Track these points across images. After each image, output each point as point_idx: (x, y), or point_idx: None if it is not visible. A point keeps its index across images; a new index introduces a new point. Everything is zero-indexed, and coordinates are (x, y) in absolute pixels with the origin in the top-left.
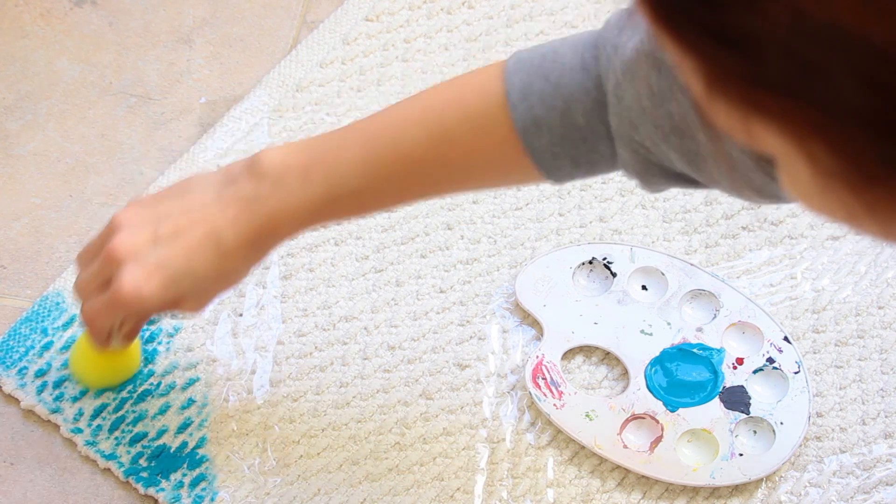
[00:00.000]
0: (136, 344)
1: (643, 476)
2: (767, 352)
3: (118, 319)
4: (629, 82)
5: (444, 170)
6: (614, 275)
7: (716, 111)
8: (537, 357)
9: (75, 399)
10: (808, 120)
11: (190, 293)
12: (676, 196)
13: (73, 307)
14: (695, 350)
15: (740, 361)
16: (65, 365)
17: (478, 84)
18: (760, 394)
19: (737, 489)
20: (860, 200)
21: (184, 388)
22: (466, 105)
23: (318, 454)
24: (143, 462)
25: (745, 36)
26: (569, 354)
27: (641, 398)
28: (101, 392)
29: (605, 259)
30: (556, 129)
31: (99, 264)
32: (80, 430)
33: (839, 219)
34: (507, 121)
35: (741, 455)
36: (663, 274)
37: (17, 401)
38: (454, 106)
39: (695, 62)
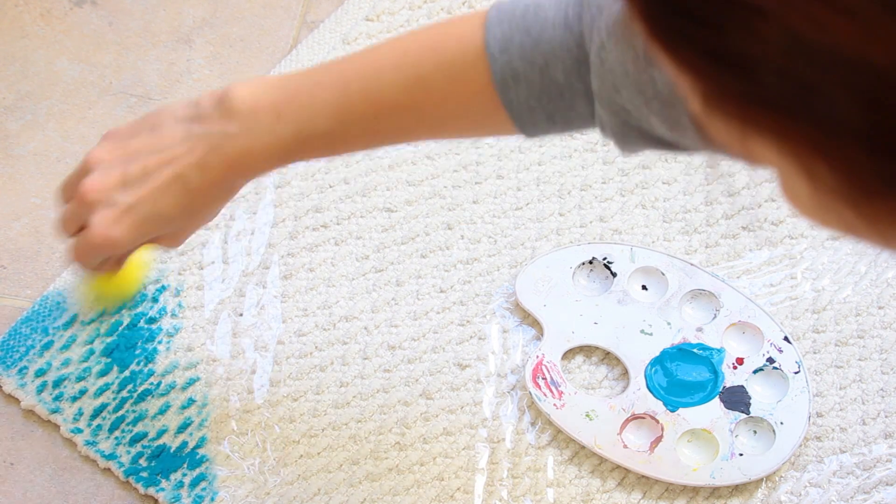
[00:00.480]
0: (135, 262)
1: (643, 476)
2: (767, 352)
3: (98, 258)
4: (613, 45)
5: (418, 116)
6: (614, 275)
7: (713, 126)
8: (537, 357)
9: (75, 399)
10: (806, 138)
11: (161, 231)
12: (676, 196)
13: (74, 307)
14: (695, 350)
15: (740, 361)
16: (65, 364)
17: (457, 33)
18: (760, 394)
19: (737, 489)
20: (860, 215)
21: (184, 388)
22: (445, 53)
23: (318, 454)
24: (143, 462)
25: (741, 57)
26: (569, 354)
27: (641, 398)
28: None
29: (605, 259)
30: (535, 83)
31: (73, 205)
32: (80, 430)
33: (838, 230)
34: (485, 71)
35: (741, 455)
36: (663, 274)
37: (17, 401)
38: (432, 53)
39: (691, 80)
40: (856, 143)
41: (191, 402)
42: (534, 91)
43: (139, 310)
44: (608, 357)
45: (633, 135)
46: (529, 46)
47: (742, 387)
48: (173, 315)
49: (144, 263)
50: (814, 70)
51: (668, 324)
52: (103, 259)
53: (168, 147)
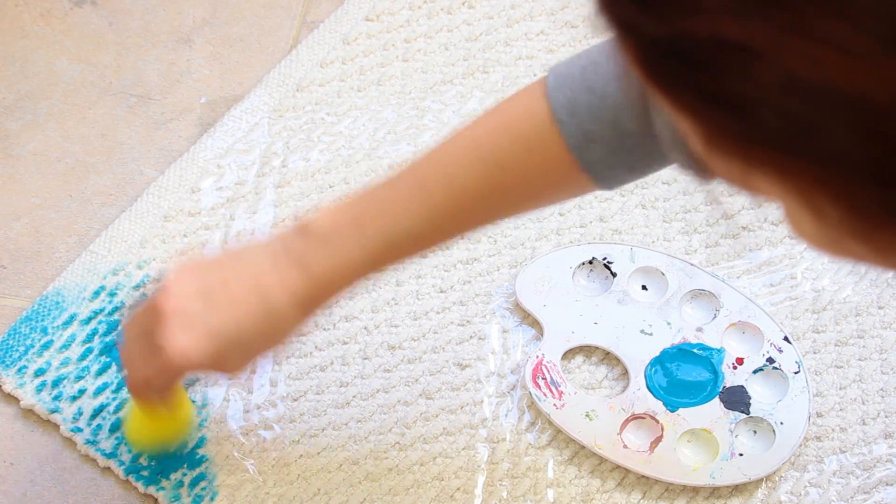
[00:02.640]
0: (187, 402)
1: (643, 476)
2: (767, 352)
3: (157, 374)
4: None
5: (501, 197)
6: (614, 275)
7: (716, 165)
8: (537, 357)
9: (74, 398)
10: (807, 174)
11: (234, 356)
12: (676, 196)
13: (73, 306)
14: (695, 350)
15: (740, 361)
16: (65, 363)
17: (522, 106)
18: (760, 394)
19: (737, 489)
20: (866, 246)
21: (184, 388)
22: (514, 130)
23: (318, 454)
24: (143, 461)
25: (737, 98)
26: (569, 354)
27: (641, 398)
28: (161, 457)
29: (605, 259)
30: (609, 139)
31: (146, 319)
32: (79, 430)
33: (848, 260)
34: (558, 139)
35: (741, 455)
36: (663, 274)
37: (16, 400)
38: (502, 133)
39: (691, 122)
40: (858, 177)
41: (191, 402)
42: (610, 147)
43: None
44: (608, 357)
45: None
46: (596, 104)
47: (742, 387)
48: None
49: (188, 402)
50: (812, 108)
51: (668, 324)
52: (162, 382)
53: (251, 271)
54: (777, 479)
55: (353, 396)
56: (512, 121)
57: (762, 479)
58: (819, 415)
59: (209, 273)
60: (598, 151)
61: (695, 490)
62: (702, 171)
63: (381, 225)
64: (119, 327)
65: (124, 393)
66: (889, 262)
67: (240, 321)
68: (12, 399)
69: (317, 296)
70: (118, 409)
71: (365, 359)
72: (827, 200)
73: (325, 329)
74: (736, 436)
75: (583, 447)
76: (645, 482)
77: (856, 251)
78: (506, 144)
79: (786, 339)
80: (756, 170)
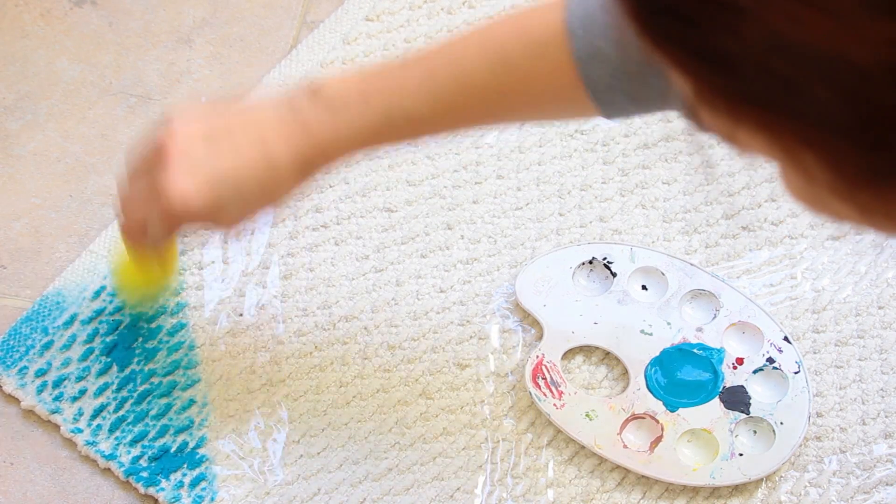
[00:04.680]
0: (173, 253)
1: (643, 476)
2: (767, 352)
3: (155, 220)
4: None
5: (504, 97)
6: (614, 275)
7: (706, 119)
8: (537, 357)
9: (75, 399)
10: (791, 132)
11: (232, 205)
12: (676, 196)
13: (74, 306)
14: (695, 350)
15: (740, 361)
16: (65, 363)
17: (539, 13)
18: (760, 394)
19: (737, 489)
20: (851, 205)
21: (184, 388)
22: (527, 33)
23: (318, 454)
24: (143, 462)
25: (723, 54)
26: (569, 354)
27: (641, 398)
28: (142, 306)
29: (605, 259)
30: (614, 61)
31: (148, 152)
32: (80, 430)
33: (836, 219)
34: (566, 49)
35: (741, 455)
36: (663, 274)
37: (17, 401)
38: (515, 34)
39: (681, 76)
40: (840, 138)
41: (191, 402)
42: (613, 68)
43: (139, 309)
44: (608, 357)
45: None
46: (610, 24)
47: (742, 387)
48: (173, 314)
49: (176, 254)
50: (795, 67)
51: (668, 324)
52: (159, 229)
53: (256, 122)
54: (777, 479)
55: (353, 396)
56: (527, 24)
57: (762, 479)
58: (819, 415)
59: (214, 119)
60: (601, 70)
61: (695, 490)
62: (699, 119)
63: (386, 101)
64: (122, 163)
65: (125, 393)
66: (873, 223)
67: (241, 171)
68: (13, 399)
69: (316, 158)
70: (118, 409)
71: (365, 359)
72: (812, 159)
73: (324, 329)
74: (736, 436)
75: (583, 447)
76: (645, 482)
77: (841, 211)
78: (517, 46)
79: (786, 339)
80: (743, 126)
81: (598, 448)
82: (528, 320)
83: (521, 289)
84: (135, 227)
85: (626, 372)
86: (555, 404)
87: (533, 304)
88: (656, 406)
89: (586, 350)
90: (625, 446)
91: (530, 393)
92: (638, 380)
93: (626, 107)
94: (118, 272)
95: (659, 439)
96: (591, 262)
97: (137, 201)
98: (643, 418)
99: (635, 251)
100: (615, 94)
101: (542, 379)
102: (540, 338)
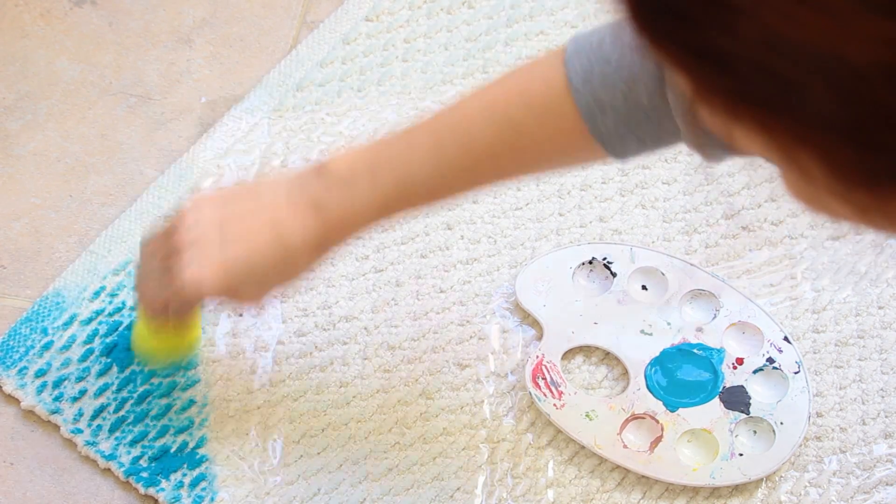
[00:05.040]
0: (198, 324)
1: (643, 476)
2: (767, 352)
3: (173, 298)
4: None
5: (513, 158)
6: (614, 275)
7: (706, 120)
8: (537, 357)
9: (75, 399)
10: (788, 132)
11: (246, 287)
12: (676, 196)
13: (74, 307)
14: (695, 350)
15: (740, 361)
16: (65, 364)
17: (539, 72)
18: (760, 394)
19: (737, 489)
20: (849, 204)
21: (184, 389)
22: (531, 94)
23: (318, 454)
24: (143, 462)
25: (720, 53)
26: (569, 354)
27: (641, 398)
28: (163, 370)
29: (605, 259)
30: (620, 109)
31: (163, 246)
32: (80, 431)
33: (833, 218)
34: (571, 105)
35: (741, 455)
36: (663, 274)
37: (17, 401)
38: (519, 96)
39: (680, 75)
40: (836, 137)
41: (191, 402)
42: (620, 117)
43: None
44: (608, 357)
45: (712, 142)
46: (610, 74)
47: (742, 387)
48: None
49: (198, 325)
50: (791, 66)
51: (668, 324)
52: (178, 308)
53: (268, 206)
54: (777, 479)
55: (353, 397)
56: (528, 85)
57: (762, 479)
58: (819, 415)
59: (226, 205)
60: (608, 121)
61: (695, 490)
62: (709, 151)
63: (394, 173)
64: (139, 249)
65: (125, 393)
66: (871, 222)
67: (254, 256)
68: (13, 400)
69: (330, 237)
70: (118, 409)
71: (365, 359)
72: (809, 159)
73: (324, 329)
74: (736, 436)
75: (583, 447)
76: (645, 482)
77: (839, 210)
78: (520, 108)
79: (786, 339)
80: (741, 125)
81: (598, 448)
82: (528, 320)
83: (522, 289)
84: (157, 305)
85: (626, 372)
86: (555, 404)
87: (533, 304)
88: (656, 406)
89: (586, 350)
90: (625, 446)
91: (530, 393)
92: (638, 380)
93: (638, 149)
94: (139, 340)
95: (659, 439)
96: (591, 262)
97: (154, 283)
98: (643, 418)
99: (635, 251)
100: (626, 141)
101: (542, 379)
102: (540, 338)
